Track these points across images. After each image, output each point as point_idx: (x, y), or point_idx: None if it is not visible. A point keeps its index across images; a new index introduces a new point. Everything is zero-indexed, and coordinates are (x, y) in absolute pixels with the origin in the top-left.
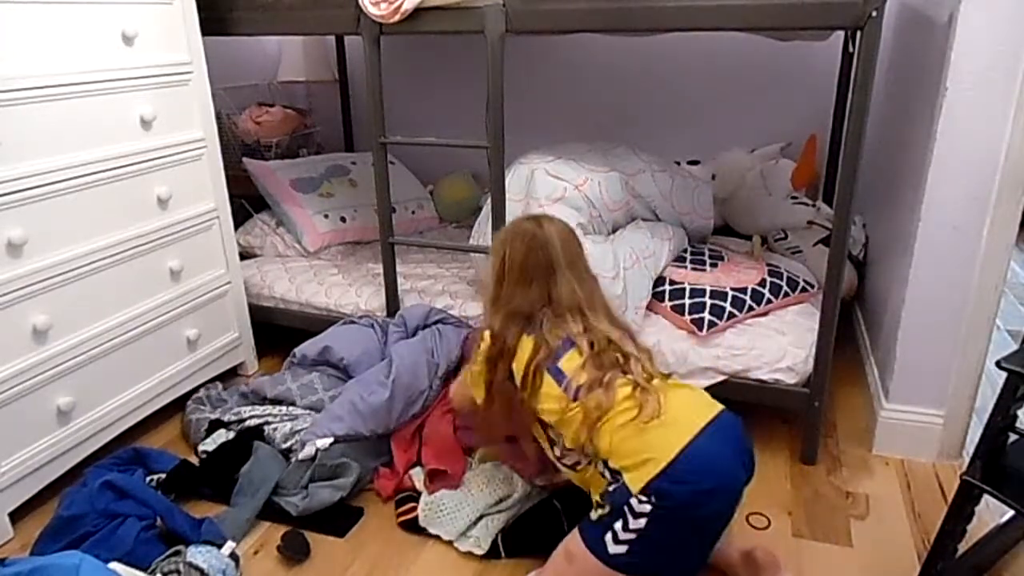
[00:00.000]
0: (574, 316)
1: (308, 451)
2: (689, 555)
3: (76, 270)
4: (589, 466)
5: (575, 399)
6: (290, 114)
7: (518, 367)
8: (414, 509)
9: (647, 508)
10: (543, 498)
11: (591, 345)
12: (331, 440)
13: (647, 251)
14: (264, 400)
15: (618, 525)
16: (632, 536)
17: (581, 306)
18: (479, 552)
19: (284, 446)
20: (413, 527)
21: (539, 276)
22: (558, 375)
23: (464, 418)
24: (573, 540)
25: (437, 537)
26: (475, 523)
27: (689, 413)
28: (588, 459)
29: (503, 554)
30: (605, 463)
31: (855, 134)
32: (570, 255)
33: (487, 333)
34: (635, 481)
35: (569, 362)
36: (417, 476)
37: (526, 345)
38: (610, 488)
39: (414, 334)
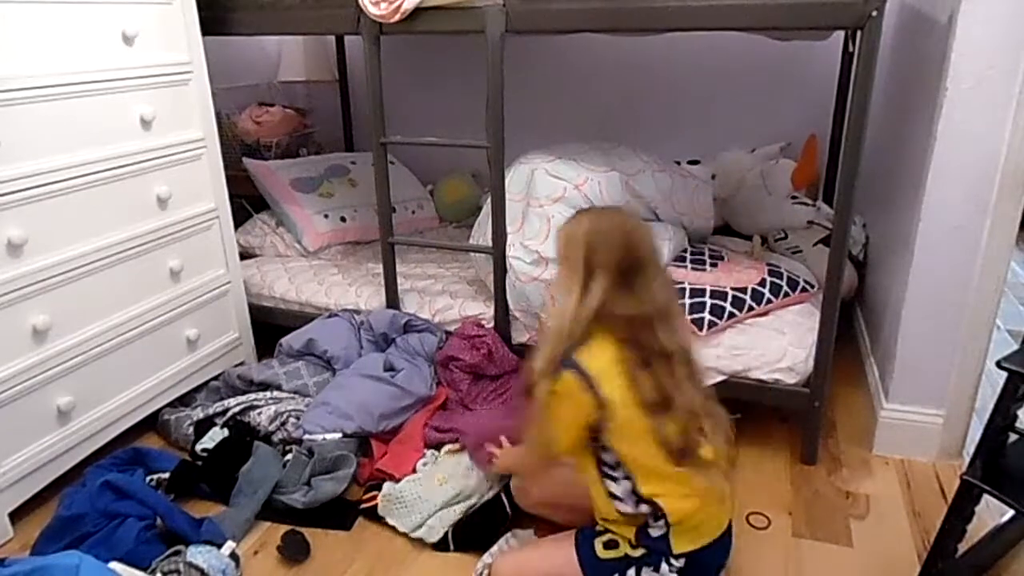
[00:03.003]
0: (665, 327)
1: (315, 438)
2: None
3: (76, 270)
4: (641, 506)
5: (679, 461)
6: (290, 114)
7: (630, 408)
8: (375, 497)
9: (672, 574)
10: (494, 494)
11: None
12: (340, 435)
13: None
14: (251, 384)
15: (631, 572)
16: None
17: (669, 312)
18: (430, 541)
19: (270, 428)
20: (372, 514)
21: (639, 276)
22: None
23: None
24: (563, 564)
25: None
26: (430, 515)
27: (724, 487)
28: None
29: (452, 547)
30: (657, 508)
31: (855, 134)
32: (657, 255)
33: (568, 374)
34: (681, 544)
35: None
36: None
37: (643, 381)
38: (650, 531)
39: (385, 339)
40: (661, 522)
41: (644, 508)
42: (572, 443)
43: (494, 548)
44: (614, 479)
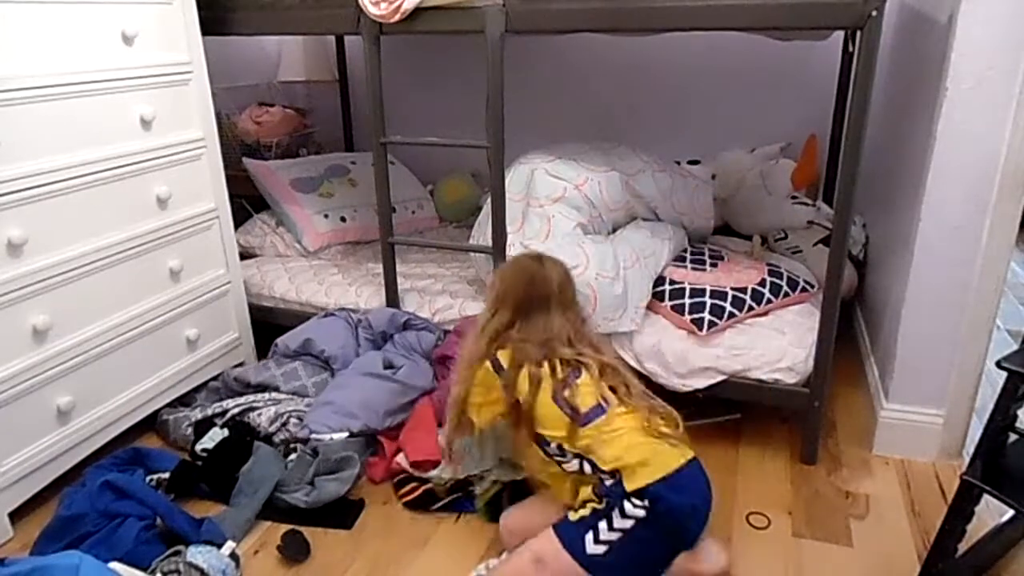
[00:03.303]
0: (567, 346)
1: (322, 438)
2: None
3: (76, 270)
4: (575, 461)
5: (584, 424)
6: (290, 114)
7: (537, 401)
8: (416, 488)
9: (640, 512)
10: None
11: (599, 372)
12: (346, 434)
13: (647, 251)
14: (248, 386)
15: (602, 524)
16: (615, 537)
17: (570, 338)
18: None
19: (271, 429)
20: (418, 505)
21: (538, 311)
22: (563, 405)
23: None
24: (542, 542)
25: (438, 534)
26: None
27: (679, 442)
28: (576, 457)
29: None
30: (594, 464)
31: (855, 134)
32: (566, 295)
33: (487, 364)
34: (632, 481)
35: (576, 390)
36: (403, 461)
37: (544, 382)
38: (605, 483)
39: (382, 337)
40: (607, 472)
41: (577, 463)
42: (487, 420)
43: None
44: (547, 443)
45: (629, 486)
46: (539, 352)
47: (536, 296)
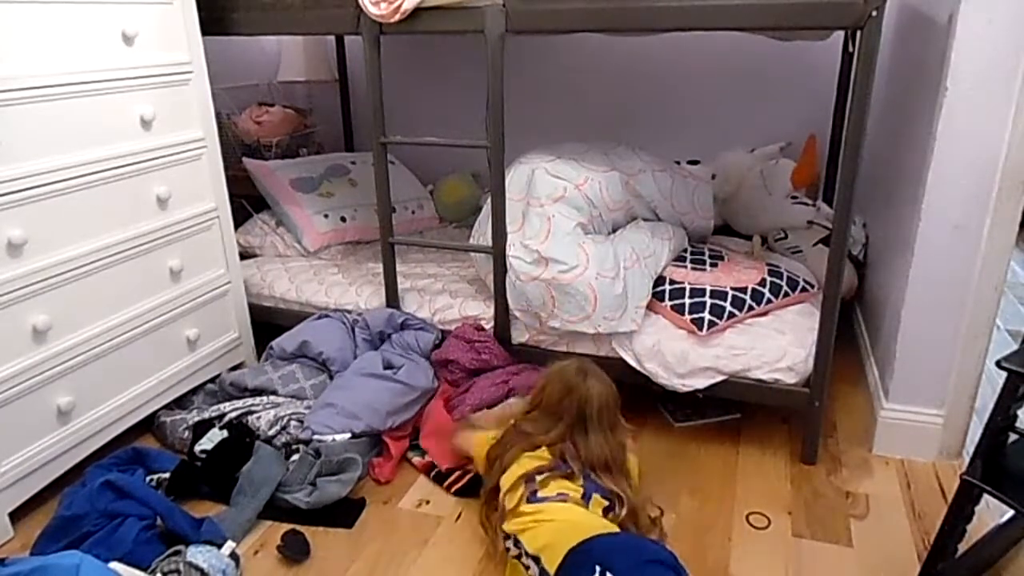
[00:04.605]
0: (604, 471)
1: (325, 439)
2: None
3: (76, 270)
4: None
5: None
6: (290, 114)
7: (506, 477)
8: (462, 477)
9: None
10: None
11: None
12: (349, 435)
13: (647, 251)
14: (245, 390)
15: None
16: None
17: (608, 463)
18: None
19: (270, 432)
20: (468, 491)
21: (576, 429)
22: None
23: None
24: None
25: (438, 534)
26: None
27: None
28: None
29: None
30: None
31: (855, 134)
32: (607, 417)
33: (494, 433)
34: (552, 562)
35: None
36: (424, 457)
37: (524, 462)
38: None
39: (380, 337)
40: (529, 560)
41: (511, 544)
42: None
43: None
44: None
45: (551, 568)
46: (563, 452)
47: (571, 411)
